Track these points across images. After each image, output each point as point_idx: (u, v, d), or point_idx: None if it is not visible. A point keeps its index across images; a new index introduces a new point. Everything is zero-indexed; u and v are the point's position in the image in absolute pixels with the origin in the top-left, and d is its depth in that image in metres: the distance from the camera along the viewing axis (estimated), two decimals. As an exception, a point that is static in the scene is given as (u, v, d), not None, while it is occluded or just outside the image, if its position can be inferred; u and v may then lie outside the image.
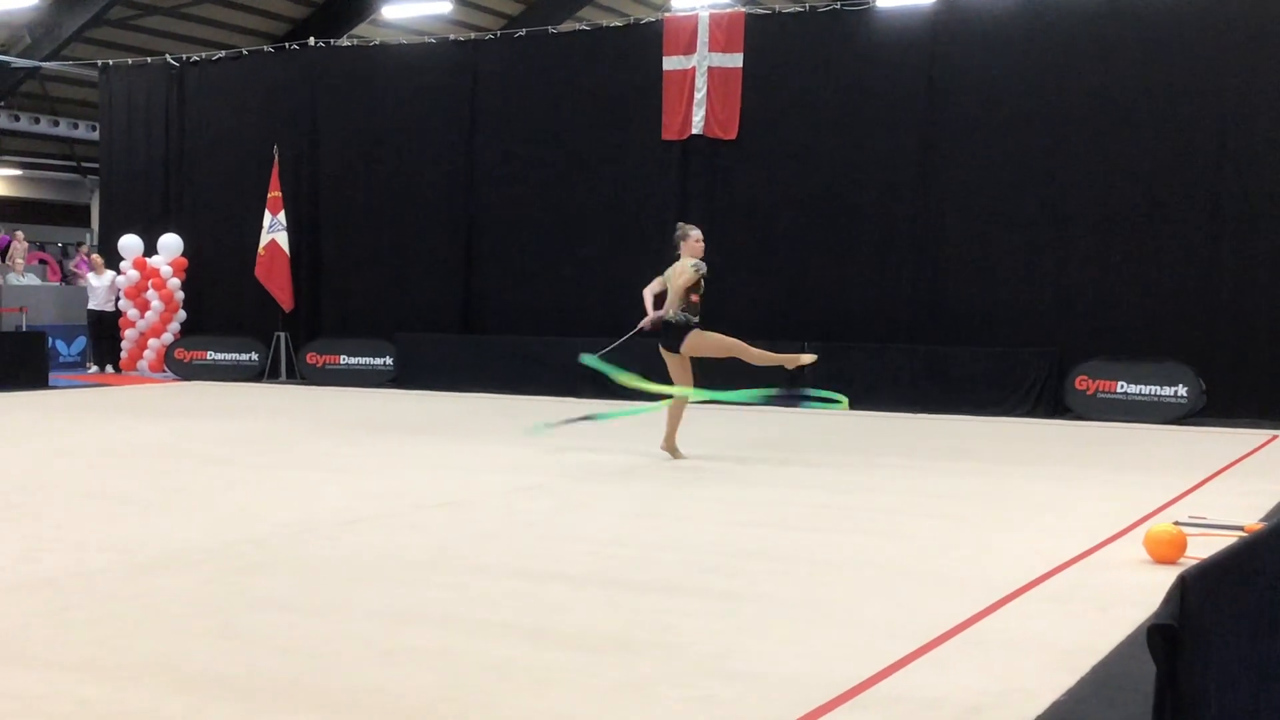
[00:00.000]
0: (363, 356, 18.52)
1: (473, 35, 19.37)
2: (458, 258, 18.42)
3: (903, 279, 15.79)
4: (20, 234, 23.78)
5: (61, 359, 20.97)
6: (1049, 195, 15.10)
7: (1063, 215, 15.04)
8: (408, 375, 17.98)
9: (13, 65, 23.12)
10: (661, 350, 10.37)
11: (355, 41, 20.56)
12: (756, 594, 5.79)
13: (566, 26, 19.49)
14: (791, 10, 16.74)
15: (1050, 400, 14.67)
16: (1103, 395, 14.41)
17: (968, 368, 15.07)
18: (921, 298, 15.72)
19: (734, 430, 12.86)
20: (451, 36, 19.47)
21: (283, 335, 19.38)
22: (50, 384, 17.89)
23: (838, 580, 6.13)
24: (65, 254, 27.45)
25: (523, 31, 18.46)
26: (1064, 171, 15.01)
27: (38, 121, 25.54)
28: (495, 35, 18.99)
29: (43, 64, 22.94)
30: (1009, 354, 14.97)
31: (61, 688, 4.33)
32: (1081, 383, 14.52)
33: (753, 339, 15.86)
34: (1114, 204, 14.80)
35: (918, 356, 15.36)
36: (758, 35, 16.46)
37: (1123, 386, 14.33)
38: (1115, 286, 14.80)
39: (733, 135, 16.53)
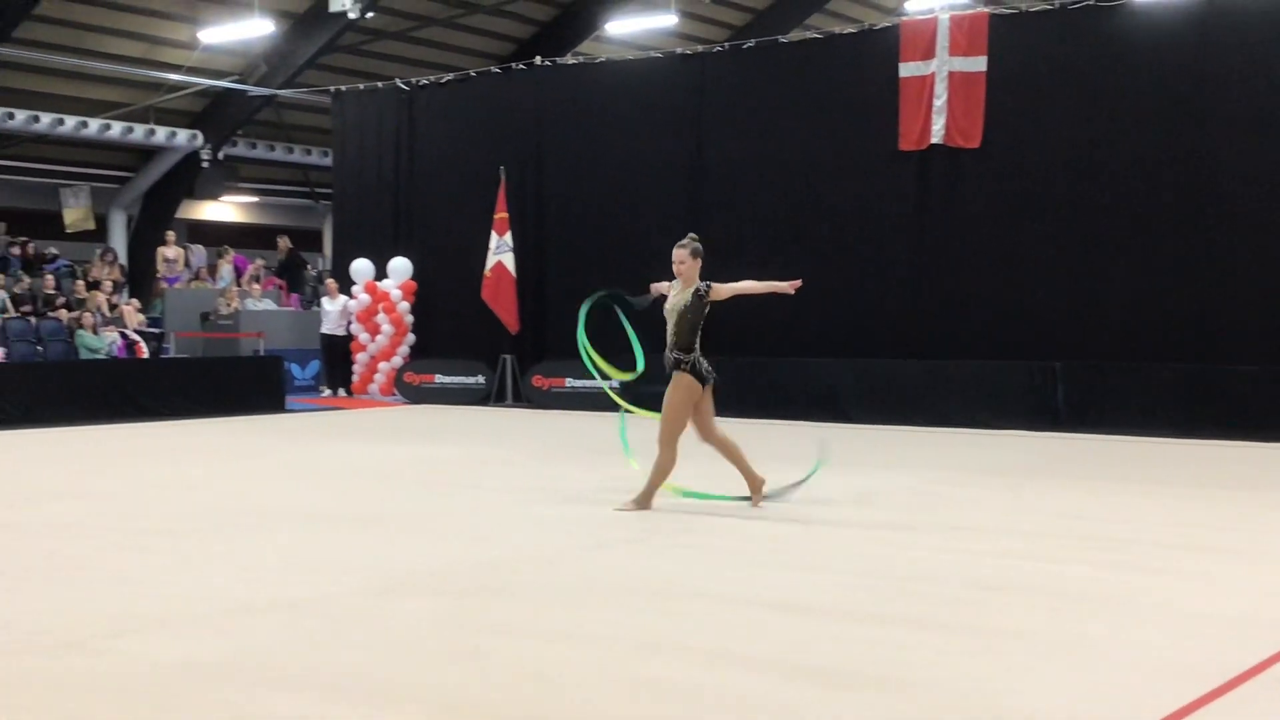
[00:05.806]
0: (589, 379, 18.19)
1: (699, 48, 18.96)
2: (686, 277, 17.92)
3: (1166, 293, 14.62)
4: (261, 262, 24.33)
5: (296, 383, 21.29)
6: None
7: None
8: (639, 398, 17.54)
9: (250, 94, 23.70)
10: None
11: (580, 59, 20.36)
12: (1007, 629, 5.44)
13: (795, 35, 18.91)
14: (1039, 9, 15.73)
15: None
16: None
17: (1237, 387, 13.89)
18: (1187, 312, 14.51)
19: (972, 454, 12.26)
20: (678, 50, 19.08)
21: (508, 358, 19.23)
22: (286, 407, 18.11)
23: (1100, 616, 5.66)
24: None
25: (751, 42, 17.93)
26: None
27: (273, 149, 26.13)
28: (723, 47, 18.54)
29: (278, 92, 23.44)
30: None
31: (312, 710, 4.29)
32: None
33: (999, 358, 15.22)
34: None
35: (1181, 375, 14.23)
36: (1002, 36, 15.57)
37: None
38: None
39: (976, 143, 15.66)
